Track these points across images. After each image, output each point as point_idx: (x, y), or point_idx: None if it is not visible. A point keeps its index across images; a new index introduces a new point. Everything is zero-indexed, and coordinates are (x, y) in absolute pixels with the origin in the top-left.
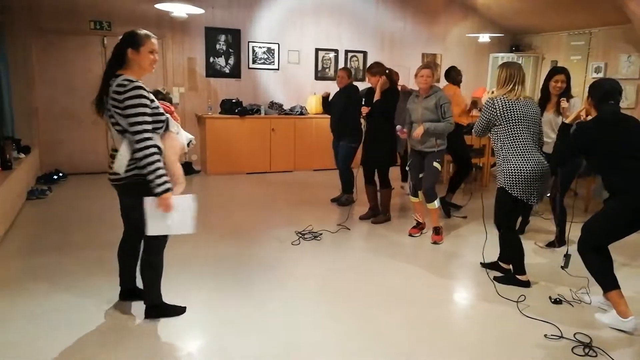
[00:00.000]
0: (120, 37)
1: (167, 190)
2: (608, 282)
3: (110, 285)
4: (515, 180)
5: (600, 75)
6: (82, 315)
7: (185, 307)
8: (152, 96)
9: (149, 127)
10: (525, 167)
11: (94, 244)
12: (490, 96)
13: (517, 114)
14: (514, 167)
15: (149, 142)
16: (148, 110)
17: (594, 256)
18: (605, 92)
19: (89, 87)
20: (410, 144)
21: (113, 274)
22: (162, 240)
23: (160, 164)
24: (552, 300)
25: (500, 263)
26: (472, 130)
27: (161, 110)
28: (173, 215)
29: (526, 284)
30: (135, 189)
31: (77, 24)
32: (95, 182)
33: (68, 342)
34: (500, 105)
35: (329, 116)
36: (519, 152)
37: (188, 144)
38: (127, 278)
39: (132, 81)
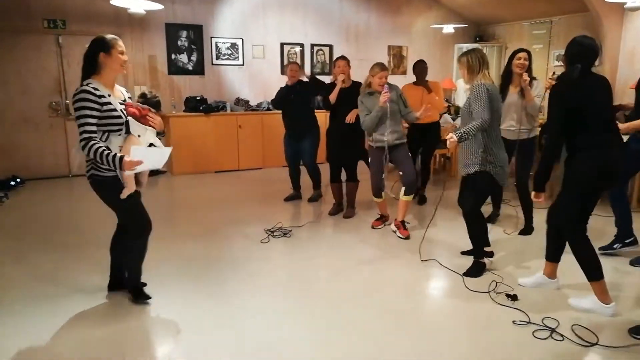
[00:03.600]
0: (88, 44)
1: (120, 160)
2: (599, 271)
3: (69, 291)
4: (503, 165)
5: (561, 63)
6: (41, 320)
7: (149, 297)
8: (109, 98)
9: (91, 128)
10: (505, 153)
11: (52, 251)
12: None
13: (497, 100)
14: (502, 154)
15: (90, 142)
16: (93, 113)
17: (587, 244)
18: (574, 53)
19: (44, 87)
20: (376, 140)
21: (70, 281)
22: (138, 225)
23: (102, 150)
24: (510, 296)
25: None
26: (482, 121)
27: (117, 114)
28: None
29: (485, 266)
30: (95, 187)
31: (30, 23)
32: (54, 186)
33: (27, 345)
34: (491, 90)
35: (282, 113)
36: (500, 139)
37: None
38: (115, 269)
39: (82, 85)
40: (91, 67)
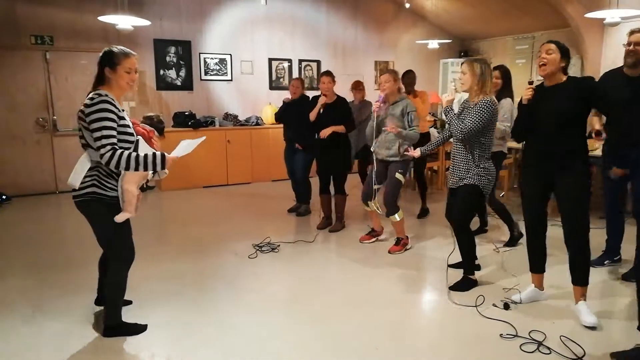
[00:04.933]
0: (100, 54)
1: (162, 157)
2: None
3: (55, 310)
4: (491, 179)
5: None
6: (30, 339)
7: (146, 325)
8: (123, 114)
9: (114, 139)
10: (493, 165)
11: (39, 269)
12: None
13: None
14: (491, 167)
15: (117, 151)
16: (114, 125)
17: (589, 249)
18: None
19: (32, 103)
20: (375, 152)
21: (57, 300)
22: (126, 256)
23: (135, 154)
24: (503, 306)
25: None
26: (459, 133)
27: (131, 131)
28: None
29: (475, 283)
30: (90, 206)
31: (17, 39)
32: (41, 203)
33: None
34: (496, 108)
35: (282, 126)
36: (490, 153)
37: (154, 172)
38: (102, 286)
39: (100, 95)
40: (100, 78)
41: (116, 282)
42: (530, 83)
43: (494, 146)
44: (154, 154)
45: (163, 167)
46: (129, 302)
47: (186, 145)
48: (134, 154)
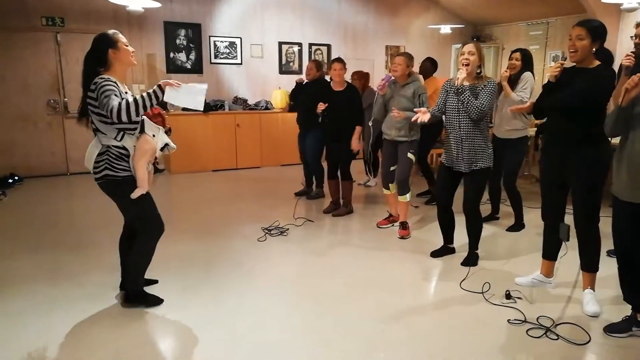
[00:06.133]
0: (93, 42)
1: (159, 87)
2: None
3: (68, 290)
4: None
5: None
6: (44, 319)
7: (162, 299)
8: (127, 96)
9: (119, 99)
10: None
11: (51, 249)
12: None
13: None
14: (491, 147)
15: (120, 104)
16: (120, 96)
17: (599, 236)
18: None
19: (43, 85)
20: (384, 133)
21: (71, 280)
22: (154, 227)
23: (133, 99)
24: (506, 295)
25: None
26: (478, 112)
27: None
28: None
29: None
30: (109, 187)
31: (28, 21)
32: (53, 185)
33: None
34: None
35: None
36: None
37: (162, 148)
38: (126, 269)
39: (103, 78)
40: (99, 64)
41: (144, 250)
42: (563, 59)
43: (521, 130)
44: (153, 90)
45: (162, 92)
46: (155, 282)
47: (194, 92)
48: (132, 98)
